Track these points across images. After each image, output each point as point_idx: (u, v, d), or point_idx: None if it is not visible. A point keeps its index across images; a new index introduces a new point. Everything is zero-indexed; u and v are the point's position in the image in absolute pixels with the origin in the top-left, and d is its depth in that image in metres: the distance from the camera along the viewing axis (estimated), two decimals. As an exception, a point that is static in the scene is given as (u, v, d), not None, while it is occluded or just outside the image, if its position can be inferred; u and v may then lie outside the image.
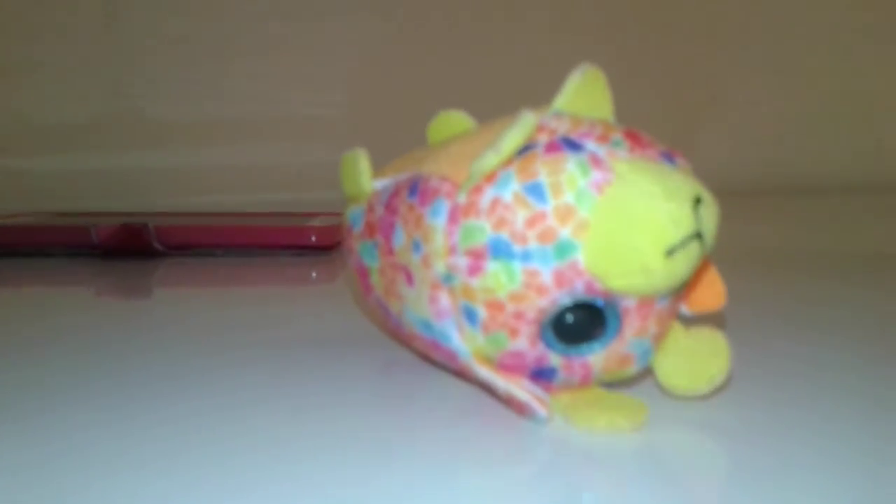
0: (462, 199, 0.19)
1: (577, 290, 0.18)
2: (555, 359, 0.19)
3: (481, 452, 0.18)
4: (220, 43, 0.56)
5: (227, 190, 0.56)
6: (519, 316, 0.18)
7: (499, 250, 0.18)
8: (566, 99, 0.20)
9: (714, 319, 0.22)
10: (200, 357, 0.25)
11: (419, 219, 0.19)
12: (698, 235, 0.18)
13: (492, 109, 0.23)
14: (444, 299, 0.19)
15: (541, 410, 0.19)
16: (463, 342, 0.19)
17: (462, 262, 0.18)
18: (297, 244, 0.43)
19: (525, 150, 0.18)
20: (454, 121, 0.23)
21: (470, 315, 0.19)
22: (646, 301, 0.19)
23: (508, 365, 0.19)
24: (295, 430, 0.19)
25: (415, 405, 0.21)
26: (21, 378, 0.23)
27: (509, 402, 0.19)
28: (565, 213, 0.18)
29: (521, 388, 0.19)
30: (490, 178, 0.18)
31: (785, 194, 0.51)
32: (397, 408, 0.21)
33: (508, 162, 0.18)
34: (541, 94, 0.22)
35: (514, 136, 0.18)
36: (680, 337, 0.21)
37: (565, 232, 0.18)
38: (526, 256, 0.18)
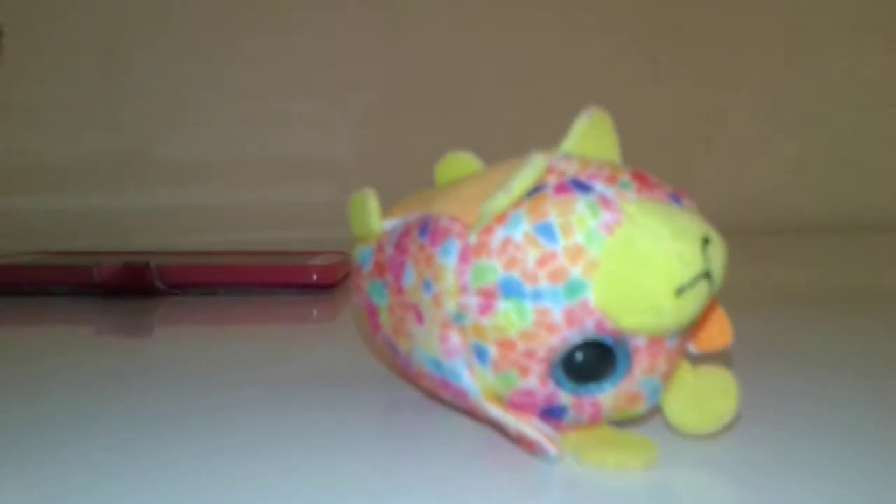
0: (473, 238, 0.19)
1: (588, 329, 0.18)
2: (565, 397, 0.19)
3: (491, 492, 0.18)
4: (224, 82, 0.57)
5: (228, 229, 0.56)
6: (529, 355, 0.18)
7: (510, 289, 0.18)
8: (574, 141, 0.20)
9: (721, 357, 0.22)
10: (202, 397, 0.25)
11: (430, 258, 0.20)
12: (707, 275, 0.18)
13: (498, 151, 0.23)
14: (455, 338, 0.19)
15: (551, 449, 0.19)
16: (473, 381, 0.19)
17: (473, 301, 0.19)
18: (299, 283, 0.43)
19: (535, 191, 0.19)
20: (461, 162, 0.24)
21: (480, 354, 0.19)
22: (655, 340, 0.19)
23: (518, 403, 0.19)
24: (299, 471, 0.19)
25: (423, 444, 0.21)
26: (21, 418, 0.23)
27: (519, 441, 0.19)
28: (576, 253, 0.18)
29: (531, 427, 0.19)
30: (500, 218, 0.19)
31: (786, 233, 0.51)
32: (405, 447, 0.21)
33: (519, 203, 0.19)
34: (547, 135, 0.22)
35: (524, 177, 0.19)
36: (688, 375, 0.21)
37: (576, 271, 0.18)
38: (537, 296, 0.18)
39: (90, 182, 0.56)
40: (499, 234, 0.18)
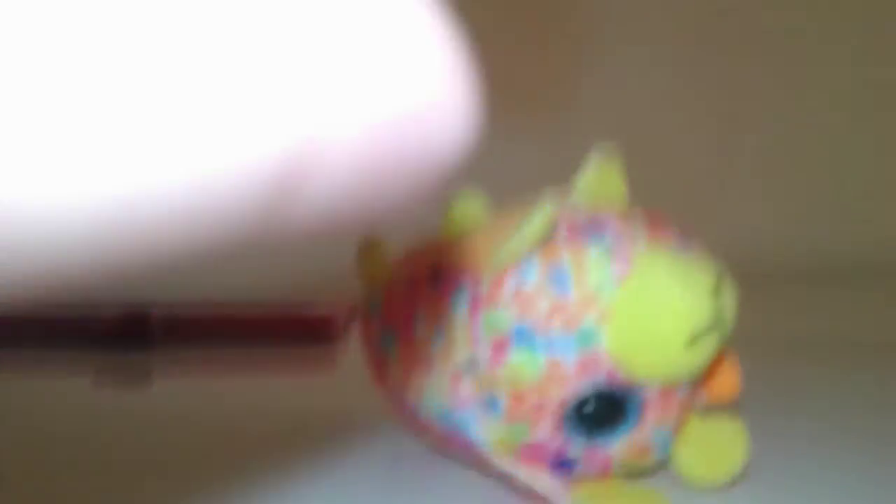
0: (484, 287, 0.19)
1: (599, 380, 0.18)
2: (576, 449, 0.19)
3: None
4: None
5: (231, 277, 0.56)
6: (541, 405, 0.18)
7: (522, 339, 0.18)
8: (583, 185, 0.20)
9: (729, 407, 0.22)
10: (203, 451, 0.25)
11: (440, 307, 0.19)
12: (717, 324, 0.18)
13: (508, 194, 0.23)
14: (465, 388, 0.19)
15: (562, 502, 0.19)
16: (483, 432, 0.19)
17: (484, 351, 0.18)
18: (302, 332, 0.43)
19: (546, 238, 0.19)
20: (470, 203, 0.24)
21: (492, 404, 0.19)
22: (667, 390, 0.19)
23: (529, 455, 0.19)
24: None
25: (427, 499, 0.21)
26: (17, 471, 0.23)
27: (529, 494, 0.19)
28: (588, 301, 0.18)
29: (542, 480, 0.19)
30: (511, 266, 0.19)
31: (797, 279, 0.51)
32: (409, 502, 0.21)
33: (530, 250, 0.19)
34: (559, 176, 0.22)
35: (535, 226, 0.19)
36: (698, 426, 0.21)
37: (588, 320, 0.18)
38: (549, 345, 0.18)
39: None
40: (510, 283, 0.18)
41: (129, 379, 0.38)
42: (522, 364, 0.18)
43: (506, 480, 0.21)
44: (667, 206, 0.21)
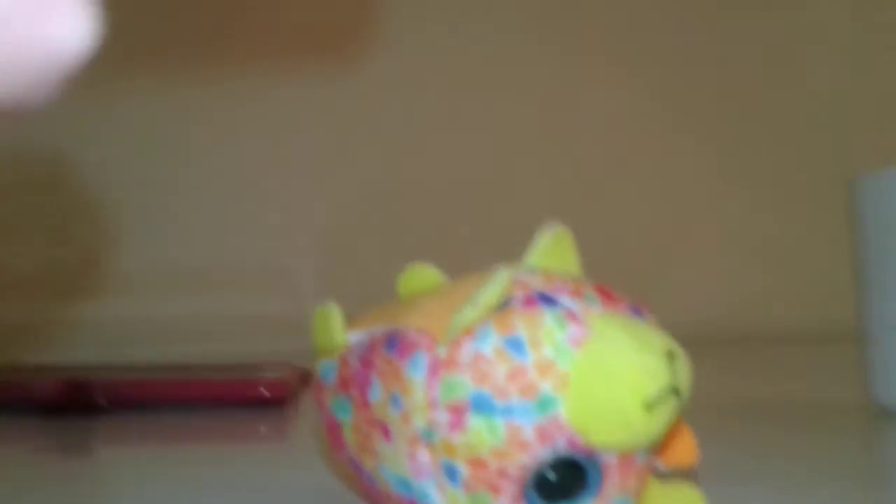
0: (442, 352, 0.19)
1: (559, 446, 0.18)
2: (536, 518, 0.18)
3: None
4: (178, 189, 0.57)
5: (175, 341, 0.54)
6: (501, 473, 0.18)
7: (481, 405, 0.18)
8: (537, 256, 0.21)
9: (687, 472, 0.22)
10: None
11: (397, 373, 0.19)
12: (674, 388, 0.18)
13: (459, 264, 0.23)
14: (424, 456, 0.19)
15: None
16: (443, 501, 0.19)
17: (443, 417, 0.18)
18: (248, 398, 0.42)
19: (502, 305, 0.19)
20: (423, 275, 0.24)
21: (451, 473, 0.18)
22: (626, 456, 0.19)
23: (488, 525, 0.19)
24: None
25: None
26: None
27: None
28: (546, 368, 0.18)
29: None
30: (469, 332, 0.19)
31: (747, 343, 0.52)
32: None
33: (486, 316, 0.19)
34: (510, 249, 0.22)
35: (491, 291, 0.19)
36: (657, 492, 0.21)
37: (547, 386, 0.18)
38: (508, 411, 0.18)
39: (31, 293, 0.55)
40: (468, 348, 0.18)
41: (70, 445, 0.37)
42: (481, 430, 0.18)
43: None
44: (619, 271, 0.21)
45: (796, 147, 0.60)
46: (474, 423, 0.18)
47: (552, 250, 0.21)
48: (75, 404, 0.41)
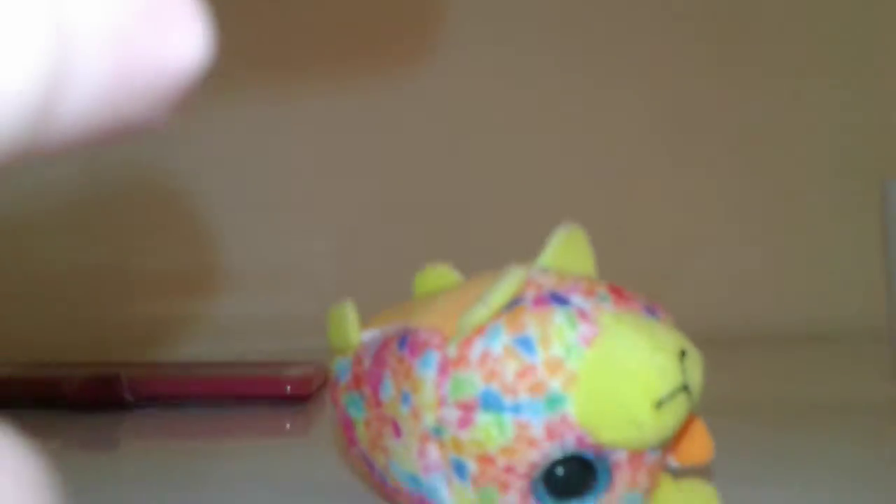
0: (452, 351, 0.19)
1: (568, 444, 0.18)
2: (546, 514, 0.19)
3: None
4: (202, 193, 0.57)
5: (201, 339, 0.55)
6: (510, 470, 0.18)
7: (489, 403, 0.18)
8: (550, 255, 0.21)
9: (702, 470, 0.22)
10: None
11: (409, 370, 0.19)
12: (685, 388, 0.18)
13: (479, 265, 0.23)
14: (434, 452, 0.19)
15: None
16: (452, 497, 0.19)
17: (452, 414, 0.18)
18: (272, 394, 0.43)
19: (513, 303, 0.19)
20: (440, 274, 0.24)
21: (460, 469, 0.18)
22: (636, 454, 0.19)
23: (498, 521, 0.19)
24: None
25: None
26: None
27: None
28: (555, 366, 0.18)
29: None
30: (480, 330, 0.19)
31: (766, 342, 0.52)
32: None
33: (497, 315, 0.19)
34: (530, 250, 0.22)
35: (503, 290, 0.19)
36: (670, 490, 0.21)
37: (555, 385, 0.18)
38: (517, 409, 0.18)
39: (63, 291, 0.56)
40: (478, 347, 0.18)
41: (97, 441, 0.37)
42: (490, 427, 0.18)
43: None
44: (631, 271, 0.21)
45: (828, 147, 0.59)
46: (483, 420, 0.18)
47: (566, 250, 0.21)
48: (103, 400, 0.42)
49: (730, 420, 0.34)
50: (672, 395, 0.18)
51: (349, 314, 0.23)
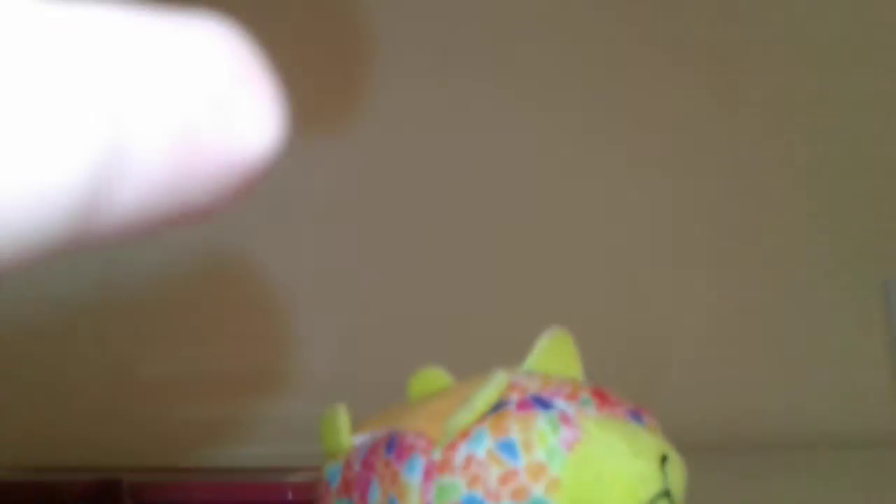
0: (437, 455, 0.19)
1: (552, 550, 0.18)
2: None
3: None
4: (201, 300, 0.58)
5: (203, 444, 0.55)
6: (493, 577, 0.18)
7: (472, 508, 0.18)
8: (536, 359, 0.21)
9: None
10: None
11: (394, 475, 0.20)
12: (666, 493, 0.18)
13: (473, 367, 0.24)
14: (419, 559, 0.19)
15: None
16: None
17: (436, 519, 0.18)
18: (274, 501, 0.42)
19: (497, 407, 0.19)
20: (433, 377, 0.24)
21: (444, 576, 0.18)
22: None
23: None
24: None
25: None
26: None
27: None
28: (537, 471, 0.18)
29: None
30: (464, 434, 0.19)
31: (756, 449, 0.51)
32: None
33: (482, 419, 0.19)
34: (520, 351, 0.23)
35: (486, 394, 0.19)
36: None
37: (538, 491, 0.18)
38: (499, 514, 0.18)
39: (67, 395, 0.56)
40: (462, 451, 0.19)
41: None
42: (473, 534, 0.18)
43: None
44: (614, 377, 0.21)
45: (829, 247, 0.59)
46: (467, 525, 0.18)
47: (552, 353, 0.21)
48: (104, 505, 0.41)
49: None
50: (653, 501, 0.18)
51: (340, 418, 0.23)
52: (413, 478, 0.19)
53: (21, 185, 0.08)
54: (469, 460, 0.19)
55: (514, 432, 0.19)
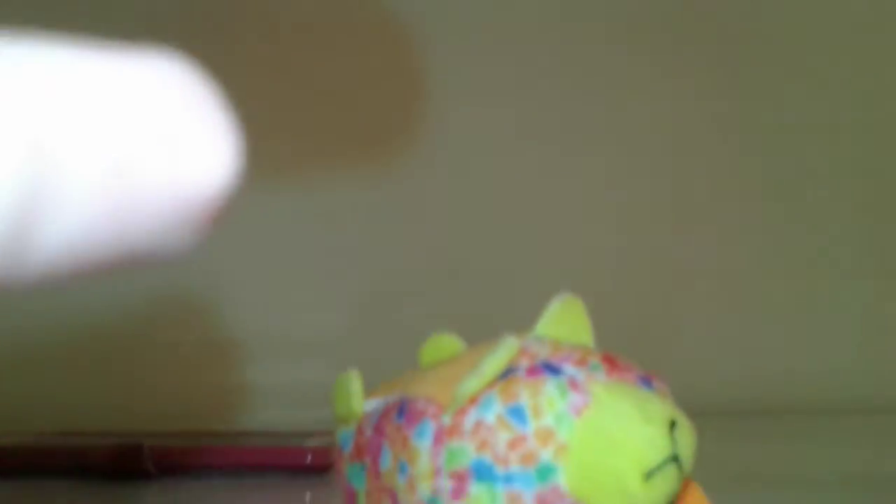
0: (447, 420, 0.19)
1: (560, 514, 0.18)
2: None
3: None
4: (220, 266, 0.59)
5: (223, 409, 0.56)
6: (503, 540, 0.18)
7: (482, 473, 0.18)
8: (546, 325, 0.21)
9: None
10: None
11: (405, 440, 0.20)
12: (675, 458, 0.18)
13: (485, 333, 0.24)
14: (429, 522, 0.19)
15: None
16: (448, 568, 0.19)
17: (446, 484, 0.19)
18: (293, 465, 0.43)
19: (507, 373, 0.19)
20: (445, 343, 0.24)
21: (454, 539, 0.19)
22: (629, 524, 0.19)
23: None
24: None
25: None
26: None
27: None
28: (546, 436, 0.18)
29: None
30: (474, 400, 0.19)
31: (764, 415, 0.51)
32: None
33: (491, 384, 0.19)
34: (531, 317, 0.23)
35: (496, 360, 0.19)
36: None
37: (546, 455, 0.18)
38: (508, 479, 0.18)
39: (85, 361, 0.57)
40: (472, 416, 0.19)
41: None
42: (482, 498, 0.18)
43: None
44: (622, 339, 0.21)
45: (845, 211, 0.59)
46: (476, 490, 0.18)
47: (562, 319, 0.21)
48: (126, 470, 0.42)
49: (729, 491, 0.34)
50: (661, 466, 0.18)
51: (353, 384, 0.23)
52: (423, 442, 0.19)
53: None
54: (478, 425, 0.19)
55: (524, 398, 0.19)
